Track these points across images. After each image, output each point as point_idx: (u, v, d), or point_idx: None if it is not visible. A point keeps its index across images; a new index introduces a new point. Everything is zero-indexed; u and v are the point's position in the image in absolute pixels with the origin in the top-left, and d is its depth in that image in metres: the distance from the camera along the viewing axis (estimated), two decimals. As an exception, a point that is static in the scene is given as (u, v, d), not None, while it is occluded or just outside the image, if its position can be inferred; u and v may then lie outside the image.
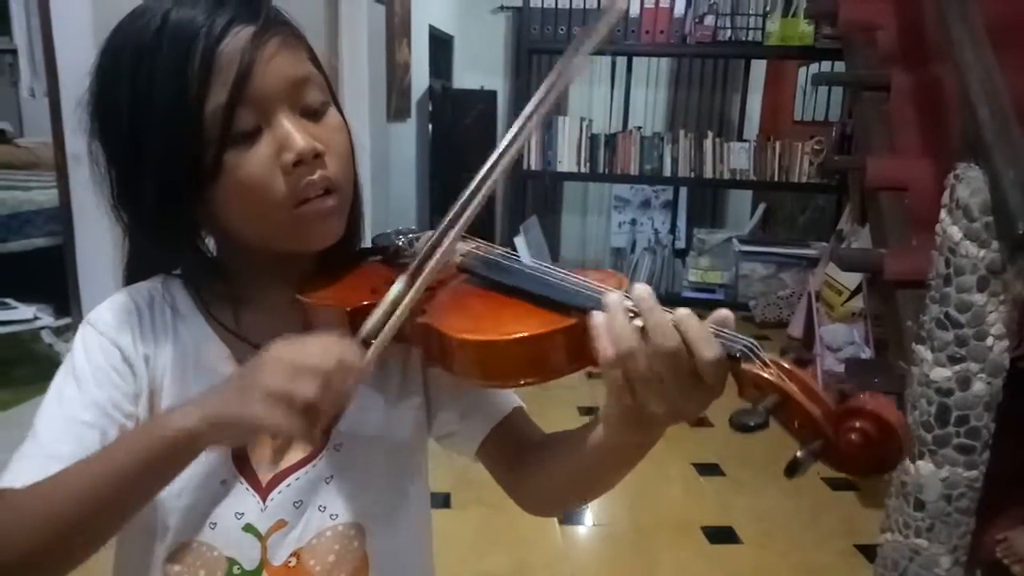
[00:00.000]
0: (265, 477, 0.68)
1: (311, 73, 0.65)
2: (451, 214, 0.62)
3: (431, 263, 0.61)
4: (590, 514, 2.63)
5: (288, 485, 0.69)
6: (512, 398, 0.77)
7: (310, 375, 0.53)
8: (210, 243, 0.72)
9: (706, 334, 0.49)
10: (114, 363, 0.67)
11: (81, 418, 0.63)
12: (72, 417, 0.63)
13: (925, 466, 1.76)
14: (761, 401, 0.47)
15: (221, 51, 0.59)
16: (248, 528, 0.68)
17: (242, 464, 0.68)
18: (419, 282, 0.60)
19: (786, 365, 0.48)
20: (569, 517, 2.58)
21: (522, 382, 0.58)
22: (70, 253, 2.56)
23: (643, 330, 0.51)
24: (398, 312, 0.60)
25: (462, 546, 2.38)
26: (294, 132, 0.62)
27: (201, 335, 0.70)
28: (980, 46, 1.78)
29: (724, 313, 0.52)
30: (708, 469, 2.97)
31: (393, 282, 0.61)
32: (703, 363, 0.48)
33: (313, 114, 0.64)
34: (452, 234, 0.62)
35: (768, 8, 4.47)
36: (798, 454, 0.46)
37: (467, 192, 0.62)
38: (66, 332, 3.23)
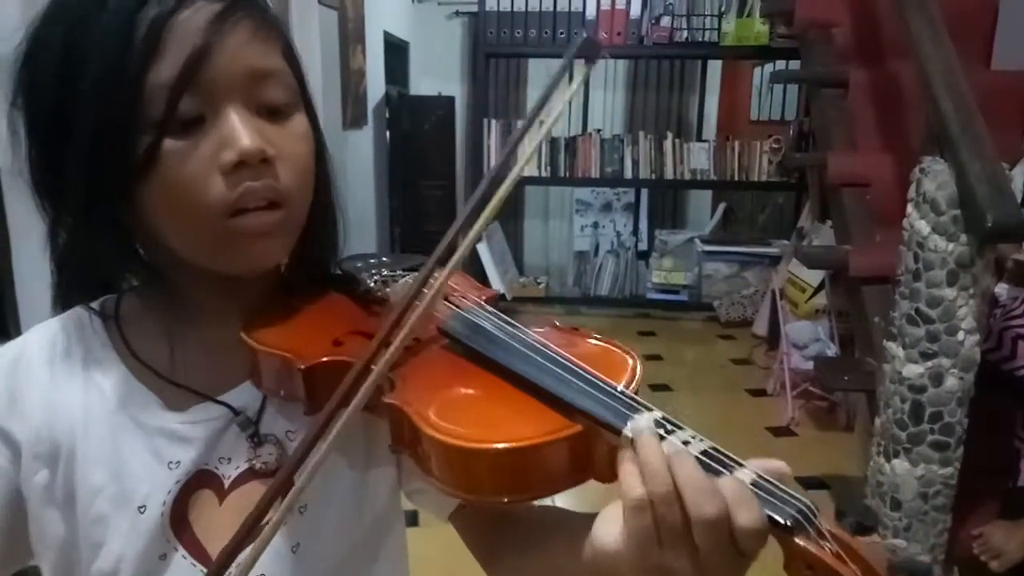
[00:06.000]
0: (214, 548, 0.57)
1: (279, 69, 0.56)
2: (434, 257, 0.51)
3: (404, 329, 0.49)
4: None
5: None
6: None
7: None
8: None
9: (747, 496, 0.41)
10: None
11: None
12: None
13: (900, 465, 1.74)
14: None
15: (175, 23, 0.50)
16: None
17: (181, 531, 0.58)
18: (388, 353, 0.49)
19: (848, 540, 0.40)
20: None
21: (505, 500, 0.46)
22: (7, 273, 2.44)
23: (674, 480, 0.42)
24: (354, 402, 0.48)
25: (432, 566, 2.29)
26: (241, 128, 0.52)
27: (120, 381, 0.60)
28: (940, 38, 1.77)
29: (777, 465, 0.43)
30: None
31: (361, 333, 0.50)
32: (739, 530, 0.41)
33: (274, 114, 0.55)
34: (436, 286, 0.50)
35: (723, 8, 4.49)
36: None
37: (453, 229, 0.51)
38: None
